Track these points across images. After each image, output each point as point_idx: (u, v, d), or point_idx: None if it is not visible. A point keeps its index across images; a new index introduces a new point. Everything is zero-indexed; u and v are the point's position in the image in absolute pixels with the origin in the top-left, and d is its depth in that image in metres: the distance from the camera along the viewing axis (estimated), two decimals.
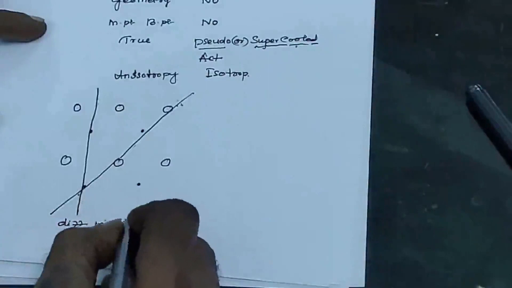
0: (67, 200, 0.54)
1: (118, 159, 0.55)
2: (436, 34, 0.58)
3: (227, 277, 0.49)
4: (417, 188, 0.53)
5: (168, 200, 0.45)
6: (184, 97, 0.57)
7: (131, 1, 0.61)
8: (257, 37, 0.59)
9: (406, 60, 0.57)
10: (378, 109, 0.55)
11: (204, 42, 0.59)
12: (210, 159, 0.54)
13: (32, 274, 0.51)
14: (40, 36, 0.60)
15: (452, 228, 0.51)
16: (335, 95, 0.55)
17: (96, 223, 0.52)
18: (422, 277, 0.50)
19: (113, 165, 0.55)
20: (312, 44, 0.58)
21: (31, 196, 0.54)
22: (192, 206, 0.45)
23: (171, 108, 0.57)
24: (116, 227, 0.45)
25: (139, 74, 0.58)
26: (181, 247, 0.42)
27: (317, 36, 0.58)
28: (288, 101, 0.56)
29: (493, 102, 0.54)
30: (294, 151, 0.54)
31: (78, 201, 0.54)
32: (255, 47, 0.58)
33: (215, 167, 0.54)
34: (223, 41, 0.59)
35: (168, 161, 0.55)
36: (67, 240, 0.44)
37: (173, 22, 0.60)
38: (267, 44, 0.58)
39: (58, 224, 0.53)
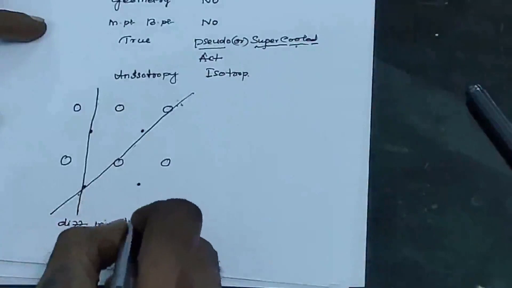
0: (67, 200, 0.54)
1: (118, 159, 0.55)
2: (436, 34, 0.58)
3: (227, 277, 0.49)
4: (417, 188, 0.53)
5: (171, 199, 0.45)
6: (184, 97, 0.57)
7: (131, 1, 0.61)
8: (257, 37, 0.59)
9: (406, 60, 0.57)
10: (378, 109, 0.55)
11: (204, 42, 0.59)
12: (210, 159, 0.54)
13: (32, 274, 0.51)
14: (40, 36, 0.60)
15: (452, 228, 0.51)
16: (335, 95, 0.55)
17: (96, 223, 0.53)
18: (422, 277, 0.50)
19: (113, 165, 0.55)
20: (312, 44, 0.58)
21: (31, 196, 0.54)
22: (195, 206, 0.45)
23: (171, 108, 0.57)
24: (120, 227, 0.45)
25: (139, 74, 0.58)
26: (183, 247, 0.42)
27: (317, 36, 0.58)
28: (288, 101, 0.56)
29: (493, 102, 0.54)
30: (294, 151, 0.54)
31: (78, 201, 0.54)
32: (255, 47, 0.58)
33: (215, 167, 0.54)
34: (223, 41, 0.59)
35: (168, 161, 0.55)
36: (71, 239, 0.44)
37: (173, 22, 0.60)
38: (267, 44, 0.58)
39: (58, 224, 0.53)
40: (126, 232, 0.45)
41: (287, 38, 0.58)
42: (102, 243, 0.44)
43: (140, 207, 0.46)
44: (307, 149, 0.54)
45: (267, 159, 0.54)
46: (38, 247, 0.51)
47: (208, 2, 0.61)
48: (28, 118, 0.57)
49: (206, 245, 0.46)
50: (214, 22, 0.60)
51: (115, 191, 0.54)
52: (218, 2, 0.61)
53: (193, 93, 0.57)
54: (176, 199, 0.45)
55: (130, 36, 0.60)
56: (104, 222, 0.52)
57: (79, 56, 0.60)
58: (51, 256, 0.44)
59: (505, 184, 0.52)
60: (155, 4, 0.61)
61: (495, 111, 0.53)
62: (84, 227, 0.51)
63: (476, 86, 0.54)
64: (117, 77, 0.58)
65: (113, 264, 0.44)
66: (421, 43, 0.58)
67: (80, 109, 0.57)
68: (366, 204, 0.52)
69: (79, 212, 0.53)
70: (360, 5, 0.59)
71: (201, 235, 0.45)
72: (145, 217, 0.44)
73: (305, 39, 0.58)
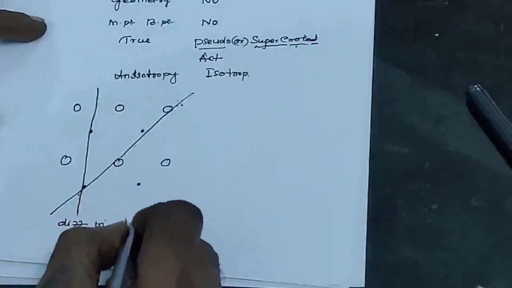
0: (67, 200, 0.54)
1: (118, 159, 0.55)
2: (436, 34, 0.58)
3: (227, 277, 0.49)
4: (417, 188, 0.53)
5: (172, 201, 0.45)
6: (184, 97, 0.57)
7: (131, 1, 0.61)
8: (257, 37, 0.59)
9: (406, 60, 0.57)
10: (378, 109, 0.55)
11: (204, 42, 0.59)
12: (210, 159, 0.54)
13: (32, 274, 0.51)
14: (40, 36, 0.60)
15: (452, 228, 0.51)
16: (335, 95, 0.55)
17: (96, 223, 0.53)
18: (422, 277, 0.50)
19: (113, 165, 0.55)
20: (312, 44, 0.58)
21: (31, 196, 0.54)
22: (195, 207, 0.45)
23: (171, 108, 0.57)
24: (120, 229, 0.45)
25: (139, 74, 0.58)
26: (184, 247, 0.42)
27: (317, 36, 0.58)
28: (288, 101, 0.56)
29: (493, 102, 0.54)
30: (294, 151, 0.54)
31: (78, 201, 0.54)
32: (255, 47, 0.58)
33: (215, 167, 0.54)
34: (223, 41, 0.59)
35: (168, 161, 0.55)
36: (72, 239, 0.44)
37: (173, 22, 0.60)
38: (267, 44, 0.58)
39: (58, 224, 0.53)
40: (126, 234, 0.45)
41: (287, 38, 0.58)
42: (102, 244, 0.44)
43: (140, 207, 0.46)
44: (307, 149, 0.54)
45: (267, 159, 0.54)
46: (38, 247, 0.51)
47: (208, 2, 0.61)
48: (28, 118, 0.57)
49: (207, 246, 0.46)
50: (214, 22, 0.60)
51: (115, 191, 0.54)
52: (218, 2, 0.61)
53: (193, 93, 0.57)
54: (177, 200, 0.45)
55: (130, 36, 0.60)
56: (104, 222, 0.52)
57: (79, 56, 0.60)
58: (52, 256, 0.44)
59: (505, 184, 0.52)
60: (155, 4, 0.61)
61: (495, 111, 0.53)
62: (84, 227, 0.51)
63: (476, 86, 0.54)
64: (117, 77, 0.58)
65: (113, 265, 0.44)
66: (421, 43, 0.58)
67: (80, 109, 0.57)
68: (366, 204, 0.52)
69: (79, 212, 0.53)
70: (360, 5, 0.59)
71: (201, 236, 0.45)
72: (146, 219, 0.44)
73: (305, 39, 0.58)
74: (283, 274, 0.50)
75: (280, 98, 0.56)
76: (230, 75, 0.57)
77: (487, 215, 0.51)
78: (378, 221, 0.51)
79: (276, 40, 0.58)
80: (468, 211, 0.52)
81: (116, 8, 0.61)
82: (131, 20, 0.60)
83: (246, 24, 0.59)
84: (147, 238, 0.42)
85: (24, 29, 0.60)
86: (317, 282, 0.49)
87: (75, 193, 0.54)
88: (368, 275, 0.49)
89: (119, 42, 0.60)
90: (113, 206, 0.53)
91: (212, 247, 0.47)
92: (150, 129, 0.56)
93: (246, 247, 0.51)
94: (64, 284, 0.41)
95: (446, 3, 0.59)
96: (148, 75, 0.58)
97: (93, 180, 0.54)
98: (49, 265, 0.43)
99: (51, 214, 0.53)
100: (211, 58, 0.58)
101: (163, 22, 0.60)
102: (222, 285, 0.47)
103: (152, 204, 0.45)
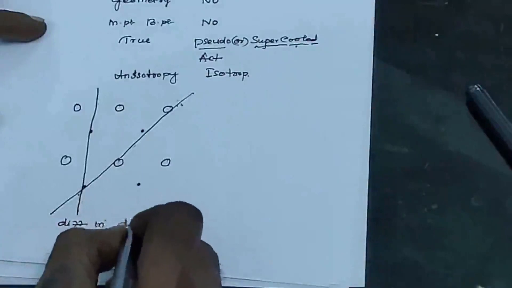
0: (67, 200, 0.54)
1: (118, 159, 0.55)
2: (436, 34, 0.58)
3: (227, 277, 0.49)
4: (417, 188, 0.53)
5: (171, 202, 0.45)
6: (184, 97, 0.57)
7: (131, 1, 0.61)
8: (257, 37, 0.59)
9: (406, 60, 0.57)
10: (378, 109, 0.55)
11: (204, 42, 0.59)
12: (210, 159, 0.54)
13: (32, 274, 0.51)
14: (40, 36, 0.60)
15: (452, 228, 0.51)
16: (335, 95, 0.55)
17: (96, 223, 0.53)
18: (422, 277, 0.50)
19: (113, 165, 0.55)
20: (312, 44, 0.58)
21: (31, 196, 0.54)
22: (195, 208, 0.45)
23: (171, 108, 0.57)
24: (120, 230, 0.45)
25: (139, 74, 0.58)
26: (184, 248, 0.42)
27: (317, 36, 0.58)
28: (288, 101, 0.56)
29: (493, 102, 0.54)
30: (294, 151, 0.54)
31: (78, 201, 0.54)
32: (255, 47, 0.58)
33: (215, 167, 0.54)
34: (223, 41, 0.59)
35: (168, 161, 0.55)
36: (72, 239, 0.44)
37: (173, 22, 0.60)
38: (267, 44, 0.58)
39: (58, 224, 0.53)
40: (126, 236, 0.45)
41: (287, 38, 0.58)
42: (102, 245, 0.44)
43: (140, 207, 0.46)
44: (307, 149, 0.54)
45: (267, 159, 0.54)
46: (38, 247, 0.51)
47: (208, 2, 0.61)
48: (28, 118, 0.57)
49: (207, 247, 0.46)
50: (214, 22, 0.60)
51: (115, 191, 0.54)
52: (218, 2, 0.61)
53: (193, 93, 0.57)
54: (176, 201, 0.45)
55: (130, 36, 0.60)
56: (104, 222, 0.52)
57: (79, 56, 0.60)
58: (50, 256, 0.44)
59: (505, 184, 0.52)
60: (155, 4, 0.61)
61: (495, 111, 0.53)
62: (84, 228, 0.51)
63: (476, 86, 0.54)
64: (117, 77, 0.58)
65: (113, 267, 0.44)
66: (421, 43, 0.58)
67: (80, 109, 0.57)
68: (366, 204, 0.52)
69: (79, 212, 0.53)
70: (360, 5, 0.59)
71: (201, 236, 0.45)
72: (145, 221, 0.44)
73: (305, 39, 0.58)
74: (283, 274, 0.50)
75: (280, 98, 0.56)
76: (230, 75, 0.57)
77: (487, 215, 0.51)
78: (378, 221, 0.51)
79: (276, 40, 0.58)
80: (468, 211, 0.52)
81: (116, 8, 0.61)
82: (131, 20, 0.60)
83: (246, 24, 0.59)
84: (148, 239, 0.42)
85: (24, 29, 0.60)
86: (317, 282, 0.49)
87: (75, 193, 0.54)
88: (368, 275, 0.49)
89: (119, 42, 0.60)
90: (113, 206, 0.53)
91: (212, 248, 0.47)
92: (150, 129, 0.56)
93: (246, 247, 0.51)
94: (65, 284, 0.41)
95: (446, 3, 0.59)
96: (148, 75, 0.58)
97: (93, 180, 0.54)
98: (48, 265, 0.43)
99: (51, 214, 0.53)
100: (211, 58, 0.58)
101: (163, 22, 0.60)
102: (222, 285, 0.47)
103: (152, 206, 0.45)
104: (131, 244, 0.44)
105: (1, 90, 0.59)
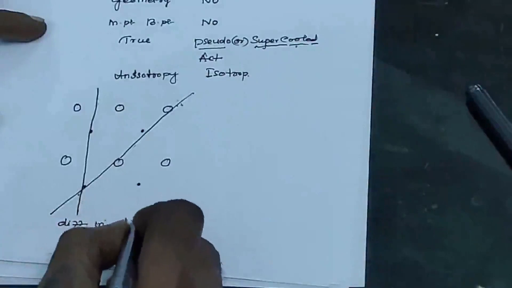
0: (67, 200, 0.54)
1: (118, 159, 0.55)
2: (436, 34, 0.58)
3: (227, 277, 0.49)
4: (417, 188, 0.53)
5: (173, 200, 0.45)
6: (184, 97, 0.57)
7: (131, 1, 0.61)
8: (257, 37, 0.59)
9: (406, 60, 0.57)
10: (378, 109, 0.55)
11: (204, 42, 0.59)
12: (210, 159, 0.54)
13: (32, 274, 0.51)
14: (40, 36, 0.60)
15: (452, 228, 0.51)
16: (335, 95, 0.55)
17: (96, 223, 0.53)
18: (422, 277, 0.50)
19: (113, 165, 0.55)
20: (312, 44, 0.58)
21: (31, 196, 0.54)
22: (196, 206, 0.45)
23: (171, 108, 0.57)
24: (121, 228, 0.45)
25: (139, 74, 0.58)
26: (184, 246, 0.42)
27: (317, 36, 0.58)
28: (288, 101, 0.56)
29: (493, 102, 0.54)
30: (294, 151, 0.54)
31: (78, 201, 0.54)
32: (255, 47, 0.58)
33: (215, 167, 0.54)
34: (223, 41, 0.59)
35: (168, 161, 0.55)
36: (73, 240, 0.44)
37: (173, 22, 0.60)
38: (267, 44, 0.58)
39: (58, 224, 0.53)
40: (128, 233, 0.45)
41: (287, 38, 0.58)
42: (103, 244, 0.44)
43: (140, 207, 0.46)
44: (307, 149, 0.54)
45: (267, 159, 0.54)
46: (38, 247, 0.51)
47: (208, 2, 0.61)
48: (28, 118, 0.57)
49: (209, 246, 0.46)
50: (214, 22, 0.60)
51: (115, 191, 0.54)
52: (218, 2, 0.61)
53: (193, 93, 0.57)
54: (177, 200, 0.45)
55: (130, 36, 0.60)
56: (104, 222, 0.52)
57: (79, 56, 0.60)
58: (53, 256, 0.44)
59: (505, 184, 0.52)
60: (155, 4, 0.61)
61: (495, 111, 0.53)
62: (85, 228, 0.51)
63: (476, 86, 0.54)
64: (117, 77, 0.58)
65: (114, 265, 0.44)
66: (421, 43, 0.58)
67: (80, 109, 0.57)
68: (366, 204, 0.52)
69: (79, 212, 0.53)
70: (360, 5, 0.59)
71: (202, 235, 0.45)
72: (146, 219, 0.44)
73: (305, 39, 0.58)
74: (283, 274, 0.50)
75: (280, 98, 0.56)
76: (230, 75, 0.57)
77: (487, 215, 0.51)
78: (378, 221, 0.51)
79: (276, 40, 0.58)
80: (468, 211, 0.52)
81: (116, 8, 0.61)
82: (131, 20, 0.60)
83: (246, 24, 0.59)
84: (148, 237, 0.42)
85: (24, 29, 0.60)
86: (317, 282, 0.49)
87: (75, 193, 0.54)
88: (368, 275, 0.49)
89: (119, 42, 0.60)
90: (113, 206, 0.53)
91: (213, 247, 0.47)
92: (150, 129, 0.56)
93: (246, 247, 0.51)
94: (65, 284, 0.41)
95: (446, 3, 0.59)
96: (148, 75, 0.58)
97: (93, 180, 0.54)
98: (50, 265, 0.43)
99: (51, 214, 0.53)
100: (211, 58, 0.58)
101: (163, 22, 0.60)
102: (222, 285, 0.47)
103: (153, 204, 0.45)
104: (133, 242, 0.44)
105: (1, 90, 0.59)
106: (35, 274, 0.50)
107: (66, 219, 0.53)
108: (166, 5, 0.61)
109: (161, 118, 0.56)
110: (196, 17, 0.60)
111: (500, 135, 0.53)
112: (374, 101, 0.55)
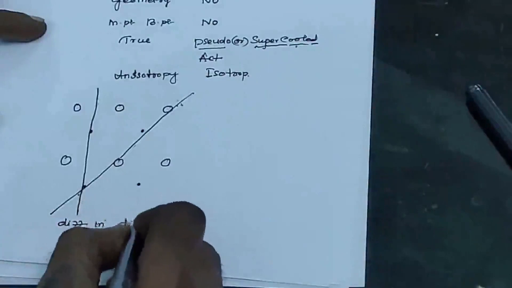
0: (67, 200, 0.54)
1: (118, 159, 0.55)
2: (436, 34, 0.58)
3: (227, 277, 0.49)
4: (417, 188, 0.53)
5: (173, 202, 0.45)
6: (184, 97, 0.57)
7: (131, 1, 0.61)
8: (257, 37, 0.59)
9: (406, 60, 0.57)
10: (378, 109, 0.55)
11: (204, 42, 0.59)
12: (210, 159, 0.54)
13: (32, 274, 0.51)
14: (40, 36, 0.60)
15: (452, 228, 0.51)
16: (335, 95, 0.55)
17: (96, 223, 0.53)
18: (422, 277, 0.50)
19: (113, 165, 0.55)
20: (312, 44, 0.58)
21: (31, 196, 0.54)
22: (197, 208, 0.45)
23: (171, 108, 0.57)
24: (122, 230, 0.45)
25: (139, 74, 0.58)
26: (185, 247, 0.42)
27: (317, 36, 0.58)
28: (288, 101, 0.56)
29: (493, 102, 0.54)
30: (294, 151, 0.54)
31: (78, 201, 0.54)
32: (255, 47, 0.58)
33: (215, 167, 0.54)
34: (223, 41, 0.59)
35: (168, 161, 0.55)
36: (73, 239, 0.44)
37: (173, 22, 0.60)
38: (267, 44, 0.58)
39: (58, 224, 0.53)
40: (128, 235, 0.45)
41: (287, 38, 0.58)
42: (103, 245, 0.44)
43: (140, 207, 0.46)
44: (307, 149, 0.54)
45: (267, 159, 0.54)
46: (38, 247, 0.51)
47: (208, 2, 0.61)
48: (28, 118, 0.57)
49: (209, 247, 0.46)
50: (214, 22, 0.60)
51: (115, 191, 0.54)
52: (218, 2, 0.61)
53: (193, 93, 0.57)
54: (178, 202, 0.45)
55: (130, 36, 0.60)
56: (104, 222, 0.52)
57: (79, 56, 0.60)
58: (52, 256, 0.44)
59: (505, 184, 0.52)
60: (155, 4, 0.61)
61: (495, 111, 0.53)
62: (86, 228, 0.51)
63: (476, 86, 0.54)
64: (117, 77, 0.58)
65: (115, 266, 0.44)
66: (421, 43, 0.58)
67: (80, 109, 0.57)
68: (366, 204, 0.52)
69: (79, 212, 0.53)
70: (360, 5, 0.59)
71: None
72: (147, 221, 0.44)
73: (305, 39, 0.58)
74: (283, 274, 0.50)
75: (280, 98, 0.56)
76: (230, 75, 0.57)
77: (487, 215, 0.51)
78: (378, 221, 0.51)
79: (276, 40, 0.58)
80: (468, 211, 0.52)
81: (116, 8, 0.61)
82: (131, 20, 0.60)
83: (246, 24, 0.59)
84: (149, 239, 0.42)
85: (24, 29, 0.60)
86: (317, 282, 0.49)
87: (75, 193, 0.54)
88: (368, 275, 0.49)
89: (119, 42, 0.60)
90: (113, 206, 0.53)
91: (214, 249, 0.47)
92: (150, 129, 0.56)
93: (246, 247, 0.51)
94: (65, 284, 0.41)
95: (446, 3, 0.59)
96: (148, 75, 0.58)
97: (93, 180, 0.54)
98: (49, 265, 0.43)
99: (51, 214, 0.53)
100: (211, 58, 0.58)
101: (163, 22, 0.60)
102: (222, 285, 0.47)
103: (153, 207, 0.45)
104: (134, 245, 0.44)
105: (1, 90, 0.59)
106: (35, 274, 0.50)
107: (66, 219, 0.53)
108: (166, 5, 0.61)
109: (161, 118, 0.56)
110: (196, 17, 0.60)
111: (500, 135, 0.53)
112: (374, 101, 0.55)
